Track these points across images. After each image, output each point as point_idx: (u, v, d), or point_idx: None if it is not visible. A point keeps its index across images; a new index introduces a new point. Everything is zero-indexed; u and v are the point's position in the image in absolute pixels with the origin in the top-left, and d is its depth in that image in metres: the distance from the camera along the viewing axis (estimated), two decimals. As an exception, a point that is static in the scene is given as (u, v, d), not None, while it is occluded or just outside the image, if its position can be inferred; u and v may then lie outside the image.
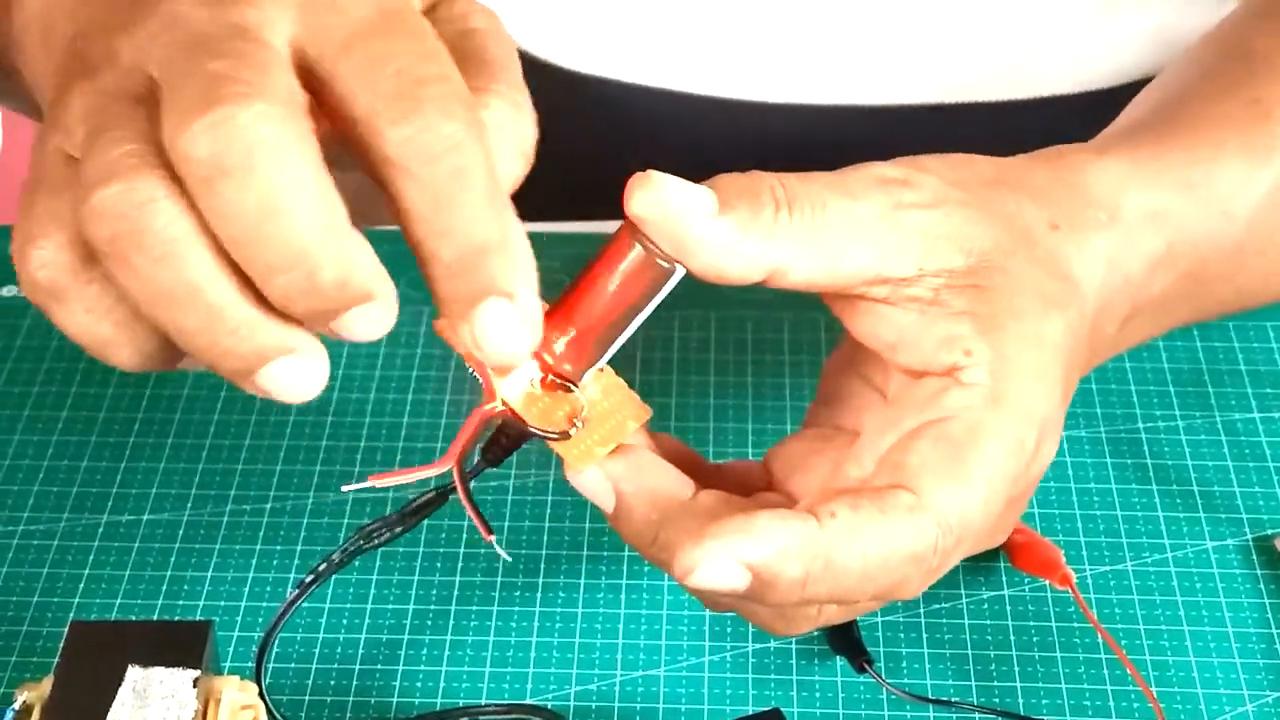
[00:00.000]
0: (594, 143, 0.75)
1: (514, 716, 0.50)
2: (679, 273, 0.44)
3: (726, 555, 0.42)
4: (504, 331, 0.40)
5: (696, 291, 0.66)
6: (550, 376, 0.44)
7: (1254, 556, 0.56)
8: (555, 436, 0.44)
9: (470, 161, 0.40)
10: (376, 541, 0.47)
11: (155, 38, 0.41)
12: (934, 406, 0.44)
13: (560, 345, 0.43)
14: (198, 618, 0.53)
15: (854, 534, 0.42)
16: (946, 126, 0.75)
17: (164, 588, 0.54)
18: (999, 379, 0.43)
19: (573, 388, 0.44)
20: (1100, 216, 0.48)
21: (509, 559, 0.54)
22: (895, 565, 0.42)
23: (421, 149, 0.39)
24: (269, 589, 0.54)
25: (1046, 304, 0.45)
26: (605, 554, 0.55)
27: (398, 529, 0.47)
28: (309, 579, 0.47)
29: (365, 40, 0.41)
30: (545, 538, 0.56)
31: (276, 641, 0.52)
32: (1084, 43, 0.73)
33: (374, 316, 0.39)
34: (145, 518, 0.57)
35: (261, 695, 0.46)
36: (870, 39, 0.72)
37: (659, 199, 0.43)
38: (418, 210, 0.40)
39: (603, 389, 0.45)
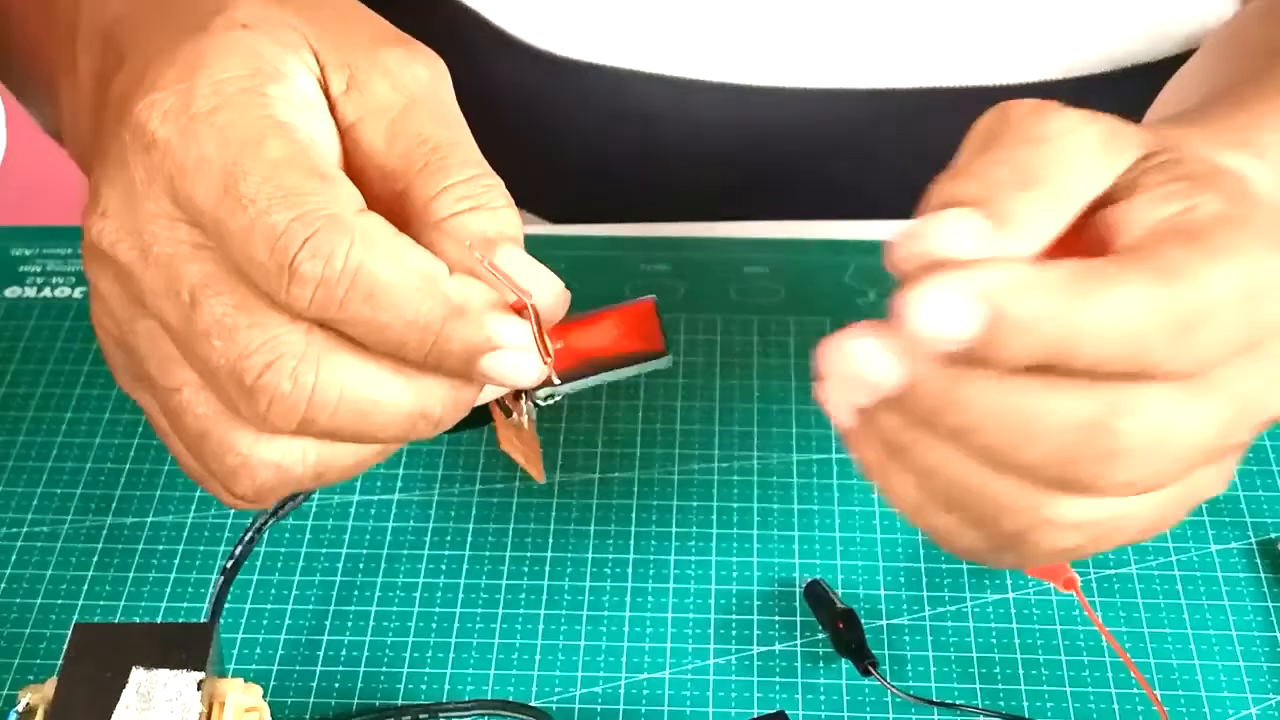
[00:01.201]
0: (591, 129, 0.74)
1: (483, 713, 0.50)
2: (667, 362, 0.45)
3: (965, 285, 0.36)
4: (507, 374, 0.41)
5: (701, 295, 0.66)
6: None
7: (1258, 560, 0.55)
8: (509, 407, 0.44)
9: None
10: None
11: (201, 165, 0.41)
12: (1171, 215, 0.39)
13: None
14: (201, 620, 0.53)
15: (1099, 275, 0.37)
16: (942, 111, 0.74)
17: (168, 590, 0.54)
18: (1234, 203, 0.39)
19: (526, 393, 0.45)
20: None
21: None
22: (1147, 321, 0.37)
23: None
24: (274, 591, 0.54)
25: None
26: (610, 556, 0.55)
27: None
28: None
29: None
30: (550, 540, 0.56)
31: (282, 643, 0.52)
32: (1076, 28, 0.73)
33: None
34: (149, 520, 0.57)
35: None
36: (866, 22, 0.72)
37: (943, 234, 0.38)
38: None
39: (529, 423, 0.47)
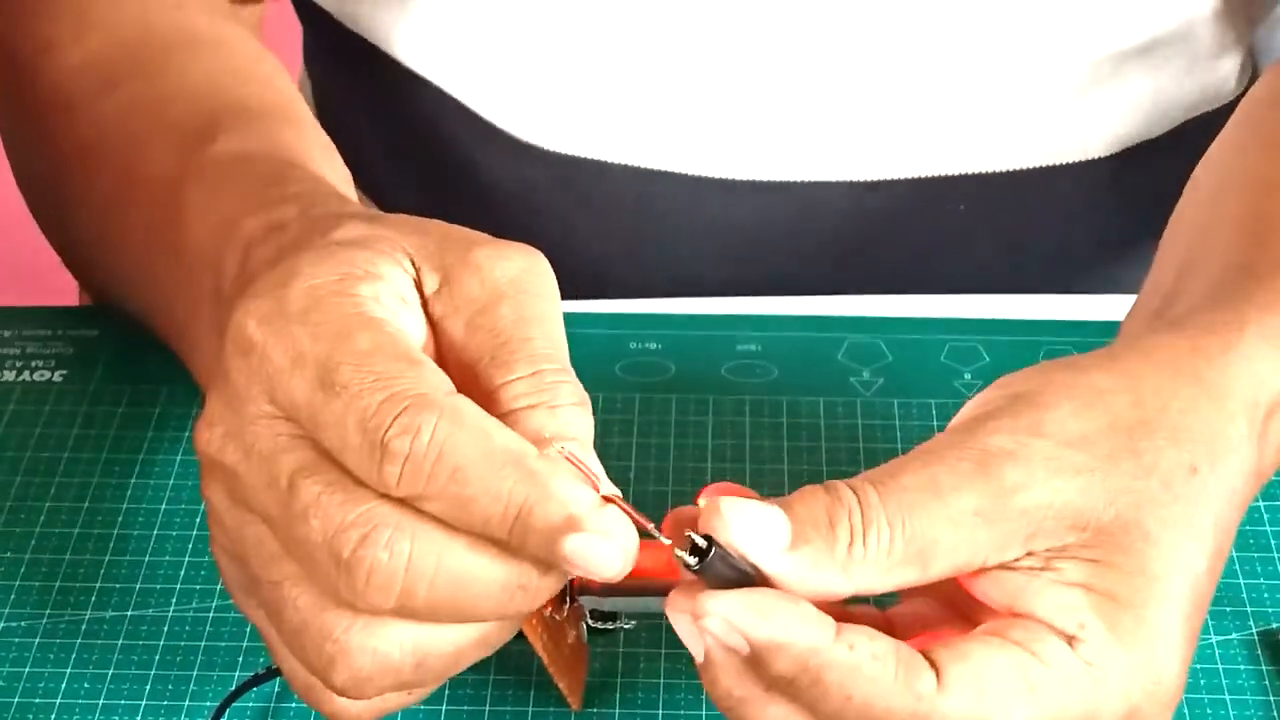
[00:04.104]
0: (583, 224, 0.74)
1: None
2: None
3: (736, 619, 0.40)
4: (589, 558, 0.41)
5: (692, 373, 0.65)
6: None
7: (1259, 652, 0.54)
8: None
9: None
10: None
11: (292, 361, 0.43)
12: (1034, 645, 0.41)
13: None
14: (182, 719, 0.52)
15: (853, 671, 0.40)
16: (943, 199, 0.74)
17: (148, 687, 0.53)
18: (1108, 662, 0.41)
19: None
20: (1242, 431, 0.45)
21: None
22: None
23: None
24: (255, 690, 0.53)
25: (1174, 572, 0.42)
26: (598, 651, 0.54)
27: None
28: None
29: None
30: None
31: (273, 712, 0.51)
32: (1079, 111, 0.73)
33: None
34: (129, 614, 0.55)
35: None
36: (857, 114, 0.72)
37: (728, 534, 0.41)
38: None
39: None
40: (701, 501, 0.42)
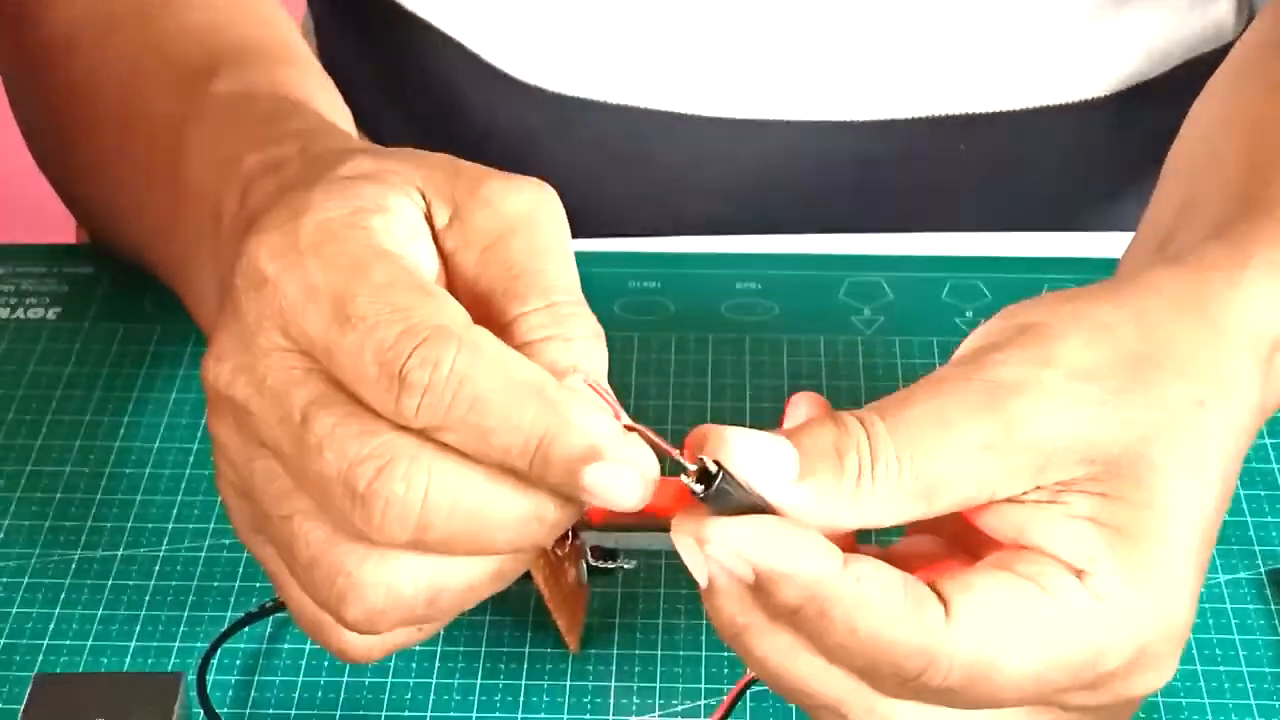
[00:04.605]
0: (582, 165, 0.73)
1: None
2: None
3: (743, 546, 0.39)
4: (609, 488, 0.40)
5: (692, 312, 0.64)
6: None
7: (1267, 591, 0.54)
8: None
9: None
10: None
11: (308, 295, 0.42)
12: (1042, 579, 0.40)
13: None
14: (172, 659, 0.51)
15: (859, 603, 0.39)
16: (944, 139, 0.73)
17: (137, 629, 0.52)
18: (1118, 596, 0.40)
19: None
20: (1247, 365, 0.44)
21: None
22: (878, 654, 0.39)
23: None
24: (246, 631, 0.52)
25: (1183, 507, 0.41)
26: (597, 591, 0.53)
27: None
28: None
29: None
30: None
31: (255, 685, 0.51)
32: (1076, 52, 0.72)
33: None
34: (120, 554, 0.55)
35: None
36: (860, 53, 0.71)
37: (734, 463, 0.40)
38: None
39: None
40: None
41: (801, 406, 0.44)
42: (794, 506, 0.40)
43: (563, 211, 0.45)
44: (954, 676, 0.39)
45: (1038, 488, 0.41)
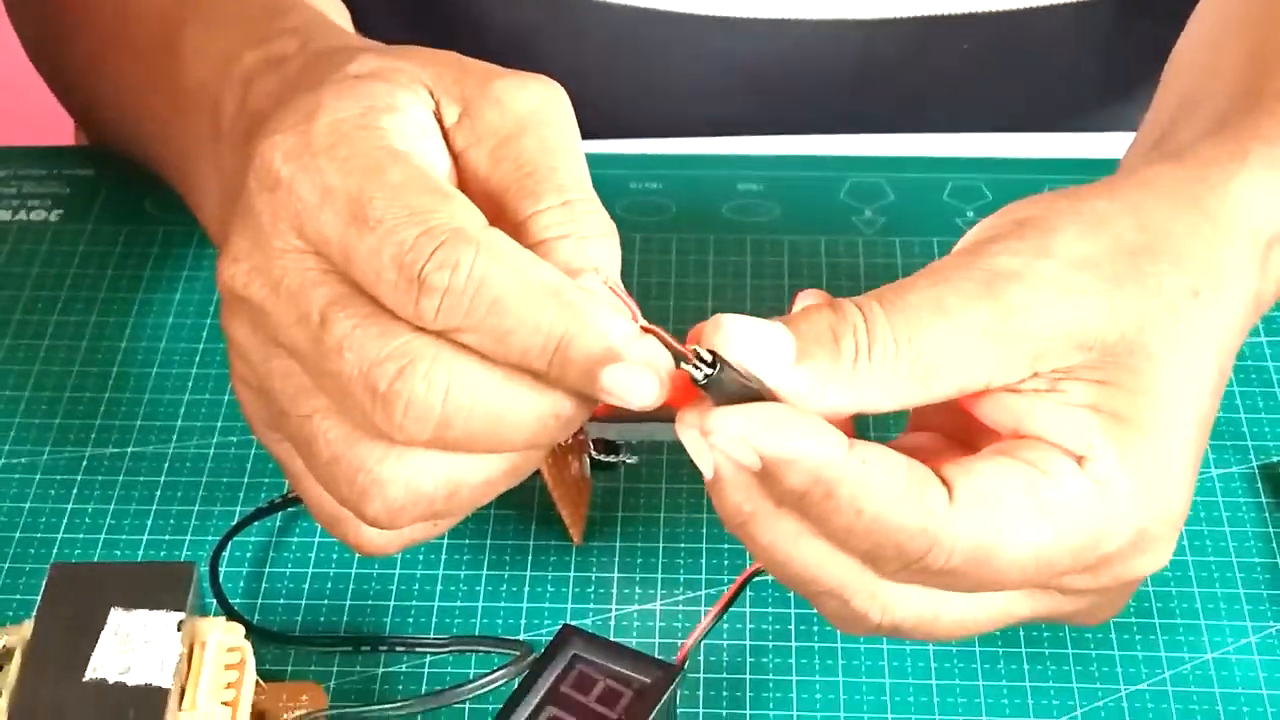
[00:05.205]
0: (582, 65, 0.73)
1: (462, 649, 0.50)
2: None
3: (748, 433, 0.40)
4: (626, 388, 0.41)
5: (693, 213, 0.65)
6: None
7: (1259, 485, 0.55)
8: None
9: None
10: None
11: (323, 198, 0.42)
12: (1043, 464, 0.41)
13: None
14: (183, 553, 0.52)
15: (865, 484, 0.40)
16: (947, 38, 0.73)
17: (149, 523, 0.53)
18: (1118, 481, 0.41)
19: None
20: (1243, 256, 0.45)
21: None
22: (882, 536, 0.40)
23: None
24: (256, 525, 0.53)
25: (1179, 395, 0.42)
26: (599, 486, 0.54)
27: None
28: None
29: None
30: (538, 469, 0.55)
31: (266, 576, 0.52)
32: None
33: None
34: (129, 450, 0.56)
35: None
36: None
37: (731, 349, 0.40)
38: None
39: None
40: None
41: (809, 302, 0.44)
42: (792, 390, 0.41)
43: (571, 109, 0.45)
44: (956, 558, 0.40)
45: (1035, 375, 0.42)
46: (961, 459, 0.41)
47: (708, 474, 0.42)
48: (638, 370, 0.40)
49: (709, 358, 0.40)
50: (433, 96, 0.45)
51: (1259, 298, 0.45)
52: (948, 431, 0.45)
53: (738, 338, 0.40)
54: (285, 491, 0.52)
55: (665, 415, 0.43)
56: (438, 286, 0.40)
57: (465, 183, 0.44)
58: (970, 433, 0.44)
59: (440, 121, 0.45)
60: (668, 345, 0.41)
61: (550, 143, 0.44)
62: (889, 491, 0.40)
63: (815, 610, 0.43)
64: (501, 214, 0.43)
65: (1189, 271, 0.43)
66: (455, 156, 0.45)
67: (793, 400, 0.41)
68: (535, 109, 0.44)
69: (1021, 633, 0.50)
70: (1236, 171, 0.46)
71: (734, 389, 0.40)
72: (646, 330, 0.41)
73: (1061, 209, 0.43)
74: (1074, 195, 0.45)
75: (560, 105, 0.45)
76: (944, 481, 0.41)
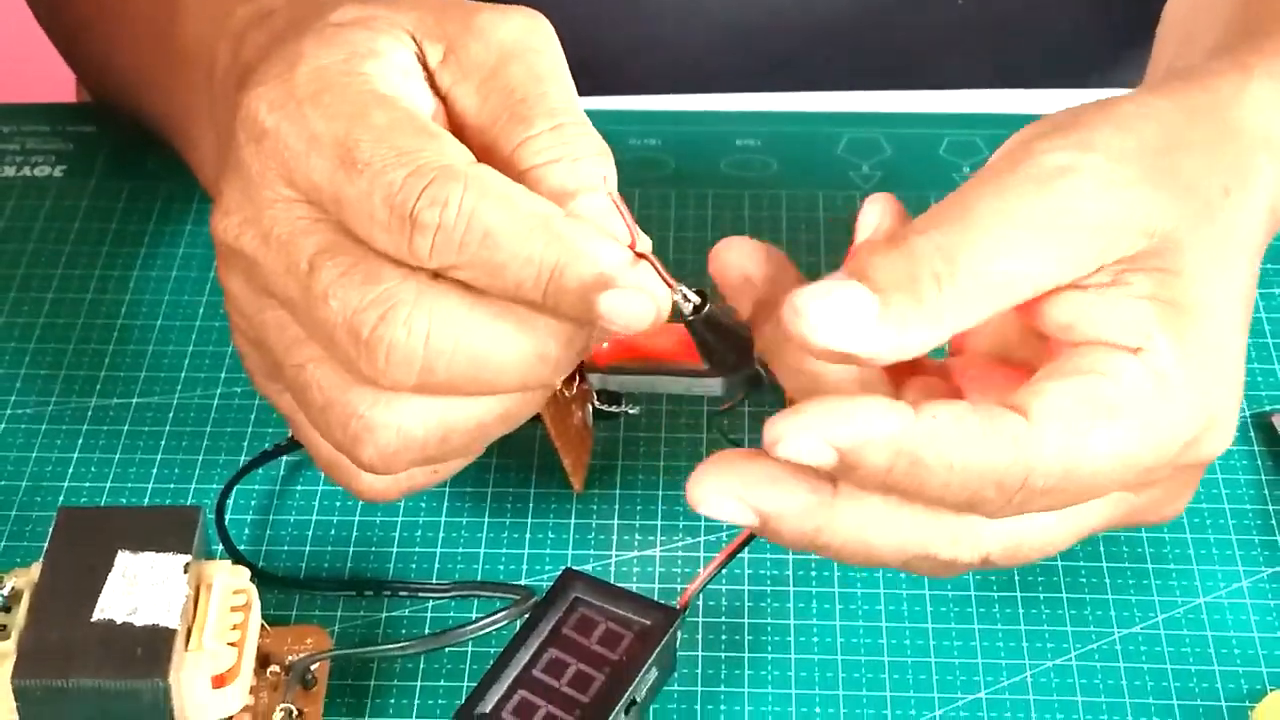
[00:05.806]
0: (579, 17, 0.73)
1: (464, 593, 0.50)
2: (718, 387, 0.47)
3: (816, 431, 0.40)
4: (622, 312, 0.41)
5: (692, 169, 0.65)
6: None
7: (1251, 433, 0.55)
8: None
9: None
10: None
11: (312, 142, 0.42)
12: (1102, 366, 0.41)
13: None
14: (189, 500, 0.53)
15: (946, 438, 0.40)
16: None
17: (154, 472, 0.54)
18: (1177, 370, 0.41)
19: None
20: (1262, 162, 0.45)
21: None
22: (979, 480, 0.40)
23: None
24: (260, 471, 0.54)
25: (1226, 287, 0.43)
26: (600, 435, 0.55)
27: None
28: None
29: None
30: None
31: (271, 523, 0.52)
32: None
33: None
34: (134, 401, 0.56)
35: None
36: None
37: (816, 334, 0.40)
38: None
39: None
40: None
41: (877, 208, 0.44)
42: (880, 347, 0.40)
43: (555, 37, 0.45)
44: (1053, 476, 0.40)
45: (1100, 269, 0.42)
46: (1025, 385, 0.41)
47: (753, 524, 0.42)
48: (632, 294, 0.41)
49: (696, 299, 0.41)
50: (415, 40, 0.45)
51: (1273, 208, 0.46)
52: (993, 346, 0.45)
53: (817, 317, 0.40)
54: (290, 435, 0.53)
55: (664, 368, 0.44)
56: (429, 224, 0.41)
57: (455, 122, 0.45)
58: (1009, 346, 0.44)
59: (425, 64, 0.45)
60: (660, 276, 0.42)
61: (537, 69, 0.44)
62: (969, 436, 0.40)
63: (823, 558, 0.44)
64: (493, 147, 0.44)
65: (1218, 171, 0.44)
66: (443, 97, 0.45)
67: (880, 356, 0.40)
68: (519, 38, 0.44)
69: (1016, 576, 0.51)
70: (1244, 84, 0.46)
71: (720, 324, 0.41)
72: (640, 256, 0.42)
73: (1092, 112, 0.44)
74: (1101, 103, 0.45)
75: (544, 33, 0.45)
76: (1016, 409, 0.40)
